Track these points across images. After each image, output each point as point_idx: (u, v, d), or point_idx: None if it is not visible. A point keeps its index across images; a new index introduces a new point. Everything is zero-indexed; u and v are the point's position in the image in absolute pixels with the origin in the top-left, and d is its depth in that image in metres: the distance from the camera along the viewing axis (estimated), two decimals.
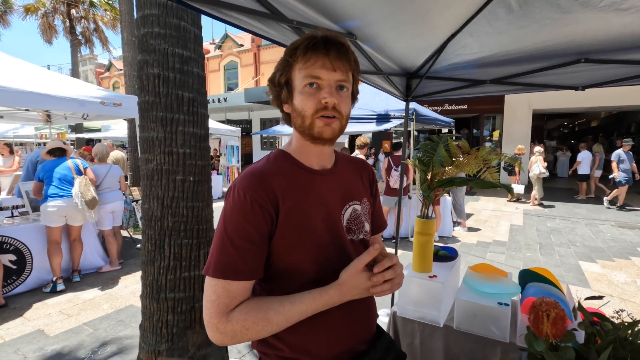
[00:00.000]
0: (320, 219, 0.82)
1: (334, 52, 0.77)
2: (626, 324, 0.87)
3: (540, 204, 8.65)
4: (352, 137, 14.50)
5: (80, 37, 14.84)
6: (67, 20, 14.27)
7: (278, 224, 0.77)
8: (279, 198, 0.78)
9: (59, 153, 4.04)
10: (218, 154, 11.33)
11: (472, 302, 1.53)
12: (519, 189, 8.73)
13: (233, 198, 0.77)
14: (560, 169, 14.54)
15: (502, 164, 8.82)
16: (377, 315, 0.95)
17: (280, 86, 0.83)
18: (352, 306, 0.82)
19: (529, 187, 10.09)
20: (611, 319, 0.96)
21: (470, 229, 6.49)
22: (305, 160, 0.86)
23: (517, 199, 9.29)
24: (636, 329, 0.85)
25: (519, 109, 12.25)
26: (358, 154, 5.60)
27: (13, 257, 3.68)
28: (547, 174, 8.33)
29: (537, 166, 8.24)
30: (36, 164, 4.57)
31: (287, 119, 0.88)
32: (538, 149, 8.58)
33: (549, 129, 20.92)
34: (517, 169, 8.85)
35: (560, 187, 12.04)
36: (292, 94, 0.82)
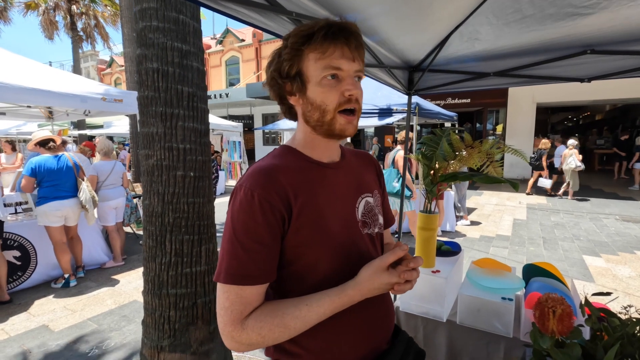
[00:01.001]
0: (335, 213, 0.78)
1: (353, 41, 0.74)
2: (634, 319, 0.86)
3: (575, 198, 8.61)
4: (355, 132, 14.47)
5: (81, 33, 14.80)
6: (68, 17, 14.23)
7: (291, 222, 0.73)
8: (290, 195, 0.73)
9: (54, 146, 3.81)
10: (215, 149, 11.25)
11: (476, 297, 1.52)
12: (546, 183, 8.73)
13: (240, 199, 0.71)
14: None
15: (529, 160, 8.77)
16: (394, 315, 0.92)
17: (289, 78, 0.76)
18: (373, 306, 0.80)
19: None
20: (618, 315, 0.94)
21: (474, 223, 6.46)
22: (314, 154, 0.82)
23: (550, 194, 9.23)
24: None
25: (523, 103, 12.15)
26: (399, 150, 5.00)
27: (17, 254, 3.70)
28: (583, 167, 8.23)
29: (573, 159, 8.15)
30: None
31: (288, 112, 0.83)
32: (572, 141, 8.51)
33: (553, 123, 20.74)
34: (544, 164, 8.77)
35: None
36: (305, 83, 0.75)
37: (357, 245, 0.81)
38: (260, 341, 0.70)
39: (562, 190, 8.83)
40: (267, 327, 0.69)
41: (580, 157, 8.27)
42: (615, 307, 1.05)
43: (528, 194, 9.29)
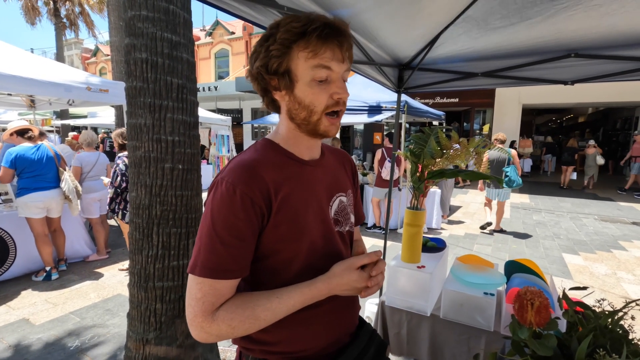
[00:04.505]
0: (312, 211, 0.80)
1: (345, 42, 0.73)
2: (607, 312, 0.90)
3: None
4: (342, 129, 14.49)
5: (64, 20, 14.37)
6: (51, 2, 13.79)
7: (270, 218, 0.74)
8: (271, 191, 0.73)
9: (33, 136, 3.70)
10: (202, 143, 11.14)
11: (459, 292, 1.55)
12: (574, 175, 10.61)
13: (221, 193, 0.71)
14: (546, 163, 14.86)
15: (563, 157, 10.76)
16: (359, 308, 0.95)
17: (277, 74, 0.74)
18: (338, 298, 0.81)
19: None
20: (592, 308, 0.98)
21: (459, 222, 6.58)
22: (295, 150, 0.82)
23: (569, 186, 10.62)
24: (616, 318, 0.87)
25: (509, 104, 12.38)
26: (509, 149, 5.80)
27: None
28: (603, 161, 10.12)
29: (600, 157, 10.00)
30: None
31: (272, 105, 0.82)
32: (593, 142, 10.37)
33: (538, 124, 21.21)
34: (577, 159, 10.59)
35: (546, 181, 12.27)
36: (293, 82, 0.74)
37: (330, 243, 0.84)
38: (230, 332, 0.71)
39: (586, 182, 10.33)
40: (238, 319, 0.70)
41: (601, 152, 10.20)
42: (590, 303, 1.10)
43: (564, 187, 10.51)
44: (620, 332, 0.87)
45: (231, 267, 0.71)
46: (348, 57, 0.75)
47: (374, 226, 5.87)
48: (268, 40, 0.74)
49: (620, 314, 0.90)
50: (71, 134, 8.40)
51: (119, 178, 3.63)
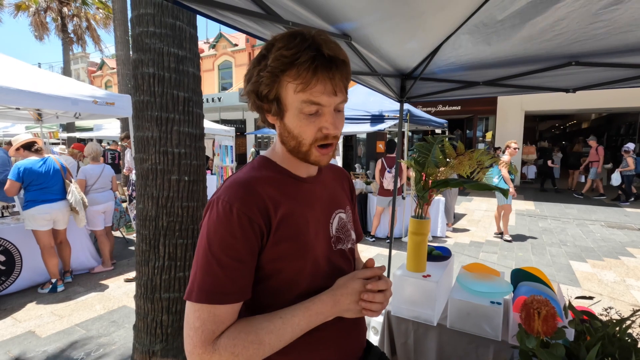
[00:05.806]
0: (312, 228, 0.78)
1: (337, 74, 0.69)
2: (614, 321, 0.90)
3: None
4: (345, 138, 14.57)
5: (72, 35, 14.67)
6: (59, 18, 14.10)
7: (270, 236, 0.71)
8: (270, 208, 0.71)
9: (40, 149, 3.77)
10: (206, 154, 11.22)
11: (466, 301, 1.55)
12: (581, 178, 11.35)
13: (217, 211, 0.68)
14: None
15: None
16: (366, 329, 0.93)
17: (267, 100, 0.72)
18: (343, 321, 0.79)
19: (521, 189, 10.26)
20: (600, 317, 0.98)
21: (464, 230, 6.54)
22: (292, 167, 0.80)
23: (576, 189, 11.10)
24: (624, 326, 0.87)
25: (512, 111, 12.40)
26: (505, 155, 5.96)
27: (2, 258, 3.62)
28: (610, 165, 10.79)
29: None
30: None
31: (267, 122, 0.80)
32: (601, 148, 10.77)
33: (541, 130, 21.18)
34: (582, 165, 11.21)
35: (551, 187, 12.19)
36: (283, 111, 0.72)
37: (332, 261, 0.82)
38: None
39: (597, 186, 10.49)
40: (241, 345, 0.65)
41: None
42: (599, 310, 1.09)
43: (576, 192, 10.71)
44: (629, 340, 0.87)
45: (230, 290, 0.67)
46: (342, 88, 0.71)
47: (369, 234, 5.85)
48: (260, 63, 0.72)
49: (629, 322, 0.89)
50: (61, 146, 8.48)
51: (131, 188, 3.69)
